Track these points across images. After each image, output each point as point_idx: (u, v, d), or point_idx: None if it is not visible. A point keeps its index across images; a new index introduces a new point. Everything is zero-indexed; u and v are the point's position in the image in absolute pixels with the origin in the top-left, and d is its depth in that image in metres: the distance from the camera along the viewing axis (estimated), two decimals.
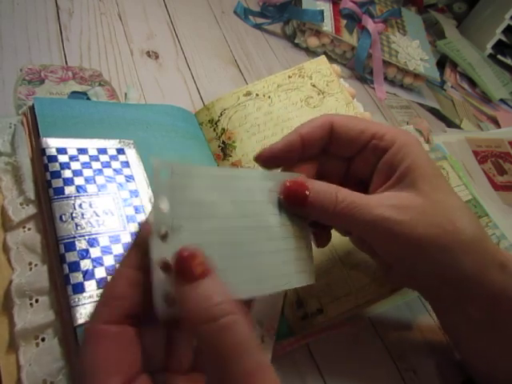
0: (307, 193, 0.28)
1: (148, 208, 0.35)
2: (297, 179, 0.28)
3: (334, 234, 0.34)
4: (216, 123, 0.46)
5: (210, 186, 0.24)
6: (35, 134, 0.35)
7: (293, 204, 0.28)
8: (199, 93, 0.55)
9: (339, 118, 0.31)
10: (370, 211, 0.27)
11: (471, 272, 0.29)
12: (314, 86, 0.48)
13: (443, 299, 0.32)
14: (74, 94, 0.44)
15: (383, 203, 0.28)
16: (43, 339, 0.28)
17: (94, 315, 0.21)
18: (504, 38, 0.92)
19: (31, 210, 0.33)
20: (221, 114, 0.46)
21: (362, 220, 0.27)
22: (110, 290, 0.21)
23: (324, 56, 0.51)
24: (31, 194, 0.33)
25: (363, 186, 0.32)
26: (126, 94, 0.49)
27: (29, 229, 0.32)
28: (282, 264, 0.27)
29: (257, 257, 0.25)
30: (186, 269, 0.19)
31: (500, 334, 0.31)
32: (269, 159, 0.30)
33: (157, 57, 0.56)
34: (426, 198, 0.28)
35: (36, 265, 0.31)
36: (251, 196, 0.26)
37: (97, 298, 0.29)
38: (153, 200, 0.20)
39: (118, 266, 0.21)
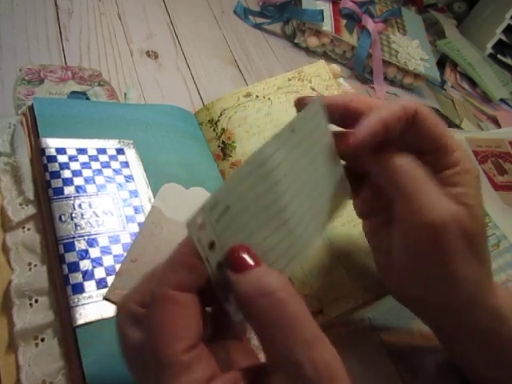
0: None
1: (147, 208, 0.35)
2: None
3: (335, 234, 0.34)
4: (216, 123, 0.46)
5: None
6: (35, 134, 0.35)
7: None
8: (199, 93, 0.55)
9: (424, 110, 0.29)
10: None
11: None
12: (313, 89, 0.48)
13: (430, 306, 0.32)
14: (74, 94, 0.44)
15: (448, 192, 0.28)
16: (43, 339, 0.28)
17: (163, 279, 0.21)
18: (504, 38, 0.92)
19: (31, 210, 0.33)
20: (221, 114, 0.46)
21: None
22: (181, 258, 0.22)
23: (323, 60, 0.51)
24: (30, 195, 0.33)
25: None
26: (125, 94, 0.49)
27: (28, 229, 0.32)
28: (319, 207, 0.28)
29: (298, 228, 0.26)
30: (239, 259, 0.21)
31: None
32: (359, 149, 0.28)
33: (156, 57, 0.56)
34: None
35: (35, 265, 0.31)
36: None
37: (96, 299, 0.29)
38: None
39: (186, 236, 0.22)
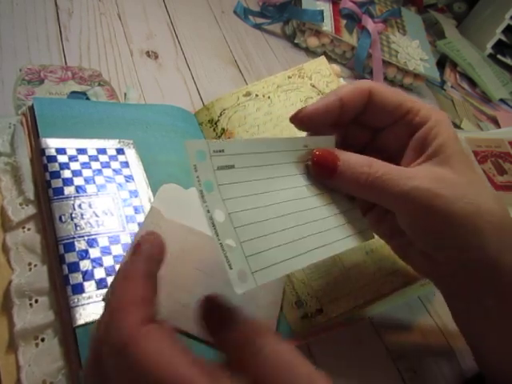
0: (338, 163, 0.28)
1: (147, 208, 0.35)
2: (326, 149, 0.29)
3: None
4: (216, 123, 0.46)
5: (248, 163, 0.24)
6: (35, 134, 0.35)
7: (321, 174, 0.28)
8: (199, 93, 0.55)
9: (378, 86, 0.31)
10: (406, 182, 0.27)
11: (493, 254, 0.28)
12: (313, 86, 0.48)
13: (458, 286, 0.31)
14: (74, 94, 0.44)
15: (421, 175, 0.28)
16: (43, 339, 0.28)
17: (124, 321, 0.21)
18: (504, 38, 0.92)
19: (31, 210, 0.33)
20: (220, 114, 0.46)
21: (398, 191, 0.27)
22: (134, 294, 0.22)
23: (323, 57, 0.51)
24: (31, 195, 0.33)
25: (388, 160, 0.31)
26: (125, 94, 0.49)
27: (28, 229, 0.32)
28: (333, 229, 0.28)
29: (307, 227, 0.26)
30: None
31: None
32: (305, 120, 0.30)
33: (156, 57, 0.56)
34: (462, 176, 0.28)
35: (35, 265, 0.31)
36: (287, 170, 0.27)
37: (96, 299, 0.29)
38: (199, 195, 0.21)
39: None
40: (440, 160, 0.29)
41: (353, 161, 0.28)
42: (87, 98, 0.45)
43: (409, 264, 0.34)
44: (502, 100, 0.88)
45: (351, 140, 0.33)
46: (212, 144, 0.22)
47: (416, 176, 0.28)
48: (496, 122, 0.81)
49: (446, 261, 0.30)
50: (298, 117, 0.30)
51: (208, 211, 0.21)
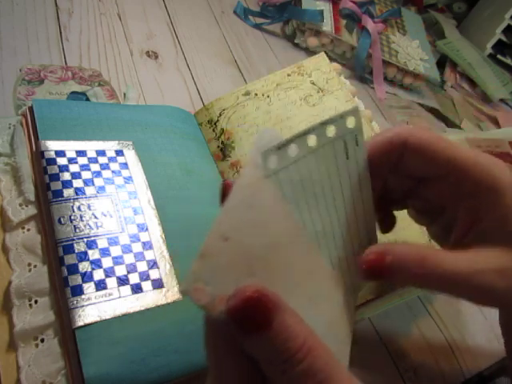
0: (388, 261, 0.24)
1: (147, 209, 0.35)
2: (377, 248, 0.24)
3: None
4: (215, 123, 0.46)
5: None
6: (34, 136, 0.35)
7: (373, 275, 0.24)
8: (199, 93, 0.55)
9: (415, 134, 0.25)
10: (467, 279, 0.24)
11: None
12: (313, 83, 0.48)
13: None
14: (74, 95, 0.44)
15: (485, 268, 0.24)
16: (42, 340, 0.28)
17: None
18: (504, 38, 0.92)
19: (31, 210, 0.33)
20: (220, 115, 0.46)
21: (459, 287, 0.24)
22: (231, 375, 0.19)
23: (323, 53, 0.51)
24: (31, 195, 0.33)
25: (434, 214, 0.29)
26: (124, 94, 0.49)
27: (28, 230, 0.32)
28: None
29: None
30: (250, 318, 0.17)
31: None
32: None
33: (156, 57, 0.56)
34: None
35: (35, 266, 0.31)
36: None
37: (95, 300, 0.29)
38: None
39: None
40: (499, 238, 0.25)
41: (405, 256, 0.24)
42: (87, 99, 0.45)
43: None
44: (502, 100, 0.88)
45: (392, 186, 0.28)
46: None
47: (475, 269, 0.24)
48: (496, 122, 0.81)
49: None
50: None
51: None
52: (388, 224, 0.31)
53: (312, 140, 0.22)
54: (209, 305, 0.16)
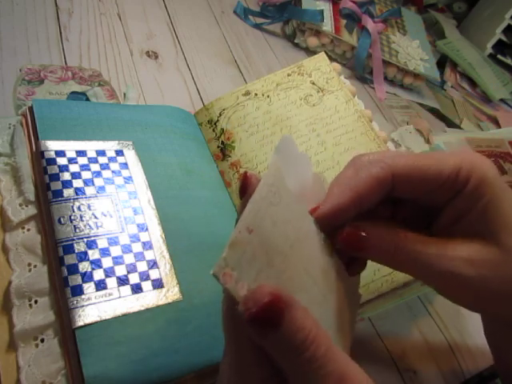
0: (363, 235, 0.25)
1: (147, 209, 0.35)
2: (352, 226, 0.25)
3: None
4: (215, 123, 0.46)
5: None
6: (34, 136, 0.35)
7: (350, 250, 0.26)
8: (199, 93, 0.55)
9: (402, 165, 0.25)
10: (437, 262, 0.24)
11: None
12: (313, 83, 0.48)
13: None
14: (74, 95, 0.44)
15: (454, 255, 0.24)
16: (42, 340, 0.28)
17: None
18: (504, 38, 0.92)
19: (31, 210, 0.33)
20: (220, 114, 0.46)
21: (427, 271, 0.25)
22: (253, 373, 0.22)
23: (323, 53, 0.51)
24: (31, 195, 0.33)
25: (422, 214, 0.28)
26: (124, 94, 0.49)
27: (28, 229, 0.32)
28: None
29: None
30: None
31: None
32: (321, 223, 0.26)
33: (156, 57, 0.56)
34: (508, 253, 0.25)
35: (35, 266, 0.31)
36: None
37: (95, 300, 0.29)
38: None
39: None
40: (482, 232, 0.25)
41: (379, 237, 0.25)
42: (87, 99, 0.45)
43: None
44: (502, 100, 0.88)
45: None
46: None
47: (448, 256, 0.24)
48: (496, 122, 0.81)
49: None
50: (314, 217, 0.26)
51: None
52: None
53: None
54: (232, 288, 0.19)
